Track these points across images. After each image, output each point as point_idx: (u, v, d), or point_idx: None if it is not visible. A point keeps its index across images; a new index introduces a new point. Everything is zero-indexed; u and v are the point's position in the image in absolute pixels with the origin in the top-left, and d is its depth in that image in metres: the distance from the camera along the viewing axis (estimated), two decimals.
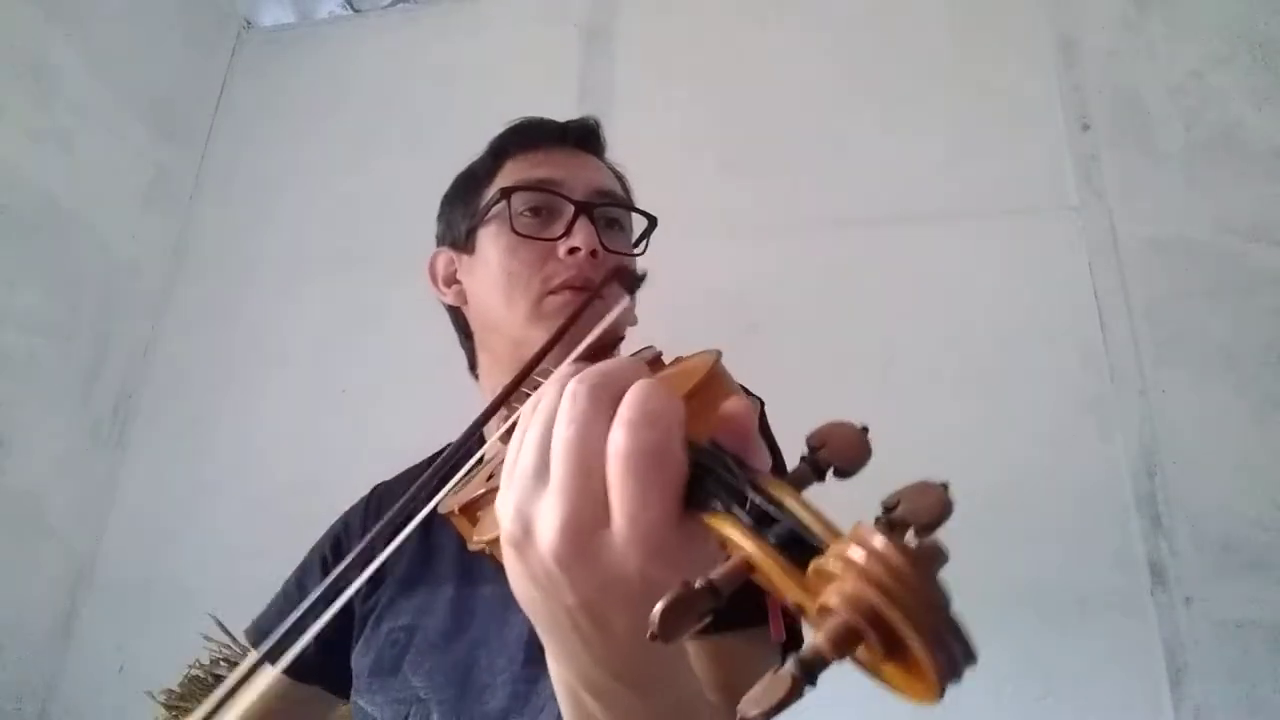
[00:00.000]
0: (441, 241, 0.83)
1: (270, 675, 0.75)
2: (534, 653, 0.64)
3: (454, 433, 0.54)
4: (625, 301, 0.58)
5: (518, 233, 0.72)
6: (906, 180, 1.56)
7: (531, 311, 0.70)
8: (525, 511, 0.33)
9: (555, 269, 0.71)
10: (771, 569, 0.26)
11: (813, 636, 0.23)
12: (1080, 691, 1.20)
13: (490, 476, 0.45)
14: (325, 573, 0.66)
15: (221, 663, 1.22)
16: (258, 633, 0.82)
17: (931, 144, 1.57)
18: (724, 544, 0.28)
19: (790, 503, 0.27)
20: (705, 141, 1.69)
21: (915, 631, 0.21)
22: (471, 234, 0.77)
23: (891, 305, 1.48)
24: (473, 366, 0.83)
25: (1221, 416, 1.29)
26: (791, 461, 0.31)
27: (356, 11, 2.06)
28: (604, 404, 0.32)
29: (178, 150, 1.92)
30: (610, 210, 0.76)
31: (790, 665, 0.23)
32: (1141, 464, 1.29)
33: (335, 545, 0.83)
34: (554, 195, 0.73)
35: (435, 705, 0.67)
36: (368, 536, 0.50)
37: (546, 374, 0.42)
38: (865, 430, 0.30)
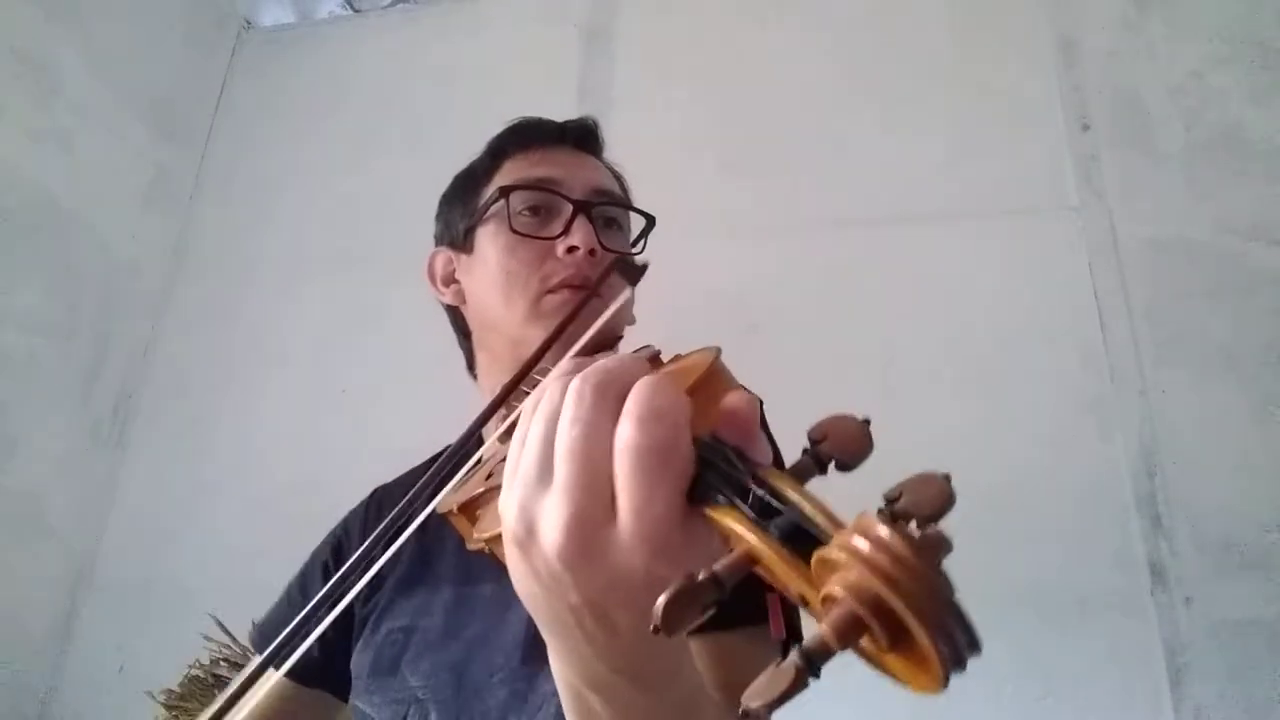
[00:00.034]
0: (440, 241, 0.84)
1: (274, 679, 0.75)
2: (532, 651, 0.64)
3: (454, 433, 0.54)
4: (625, 295, 0.58)
5: (516, 231, 0.72)
6: (906, 180, 1.55)
7: (530, 310, 0.70)
8: (529, 510, 0.33)
9: (554, 268, 0.71)
10: (774, 561, 0.26)
11: (817, 627, 0.23)
12: (1080, 691, 1.20)
13: (489, 475, 0.45)
14: (327, 578, 0.67)
15: (221, 663, 1.22)
16: (261, 638, 0.82)
17: (931, 144, 1.57)
18: (727, 537, 0.28)
19: (793, 495, 0.27)
20: (705, 141, 1.69)
21: (919, 620, 0.21)
22: (470, 233, 0.77)
23: (891, 305, 1.48)
24: (471, 366, 0.83)
25: (1221, 416, 1.29)
26: (792, 460, 0.31)
27: (356, 11, 2.06)
28: (609, 402, 0.32)
29: (178, 150, 1.92)
30: (608, 209, 0.76)
31: (794, 656, 0.23)
32: (1141, 464, 1.29)
33: (336, 550, 0.83)
34: (552, 194, 0.73)
35: (433, 705, 0.67)
36: (368, 540, 0.50)
37: (545, 373, 0.42)
38: (867, 423, 0.30)
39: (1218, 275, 1.37)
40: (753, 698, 0.23)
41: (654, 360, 0.52)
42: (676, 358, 0.50)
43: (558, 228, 0.72)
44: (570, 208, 0.72)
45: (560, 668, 0.39)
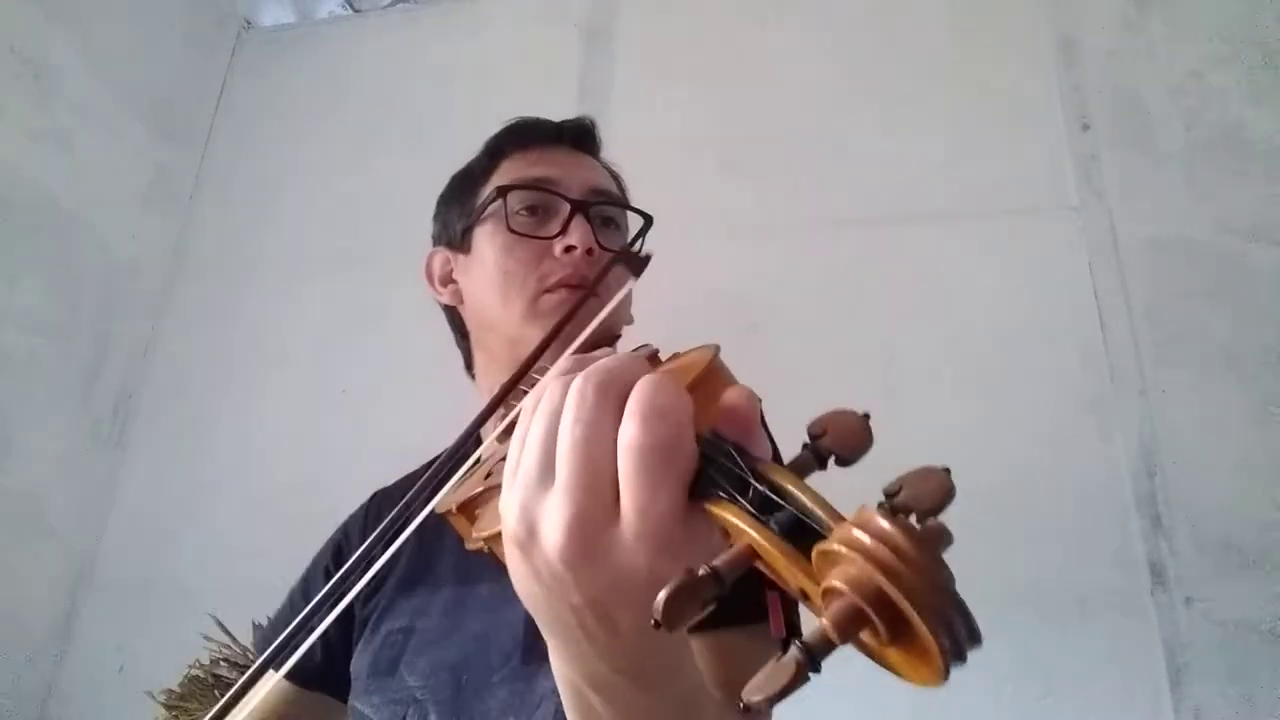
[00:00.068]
0: (437, 241, 0.84)
1: (275, 681, 0.75)
2: (531, 651, 0.64)
3: (454, 433, 0.54)
4: (623, 293, 0.58)
5: (514, 231, 0.72)
6: (906, 180, 1.55)
7: (527, 310, 0.70)
8: (531, 511, 0.32)
9: (551, 267, 0.71)
10: (774, 555, 0.26)
11: (817, 621, 0.23)
12: (1080, 691, 1.20)
13: (488, 475, 0.45)
14: (329, 582, 0.67)
15: (221, 663, 1.22)
16: (264, 643, 0.82)
17: (931, 144, 1.57)
18: (727, 532, 0.28)
19: (793, 490, 0.27)
20: (705, 141, 1.69)
21: (920, 612, 0.21)
22: (467, 233, 0.77)
23: (891, 305, 1.48)
24: (469, 366, 0.83)
25: (1221, 416, 1.29)
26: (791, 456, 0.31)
27: (356, 11, 2.06)
28: (610, 401, 0.32)
29: (178, 150, 1.92)
30: (606, 209, 0.76)
31: (794, 651, 0.23)
32: (1141, 464, 1.29)
33: (337, 554, 0.83)
34: (550, 194, 0.73)
35: (432, 705, 0.67)
36: (368, 540, 0.50)
37: (544, 372, 0.42)
38: (866, 417, 0.30)
39: (1218, 275, 1.37)
40: (753, 692, 0.23)
41: (652, 359, 0.52)
42: (674, 356, 0.50)
43: (555, 227, 0.72)
44: (568, 207, 0.72)
45: (561, 667, 0.39)
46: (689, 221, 1.46)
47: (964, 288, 1.46)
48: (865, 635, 0.23)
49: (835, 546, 0.23)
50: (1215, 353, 1.33)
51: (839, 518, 0.25)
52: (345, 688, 0.75)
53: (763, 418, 0.70)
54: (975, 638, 0.22)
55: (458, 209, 0.80)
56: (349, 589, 0.50)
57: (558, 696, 0.41)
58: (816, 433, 0.30)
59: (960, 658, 0.22)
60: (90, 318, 1.68)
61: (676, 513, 0.30)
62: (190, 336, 1.81)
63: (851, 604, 0.22)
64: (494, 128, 0.82)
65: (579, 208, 0.72)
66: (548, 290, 0.70)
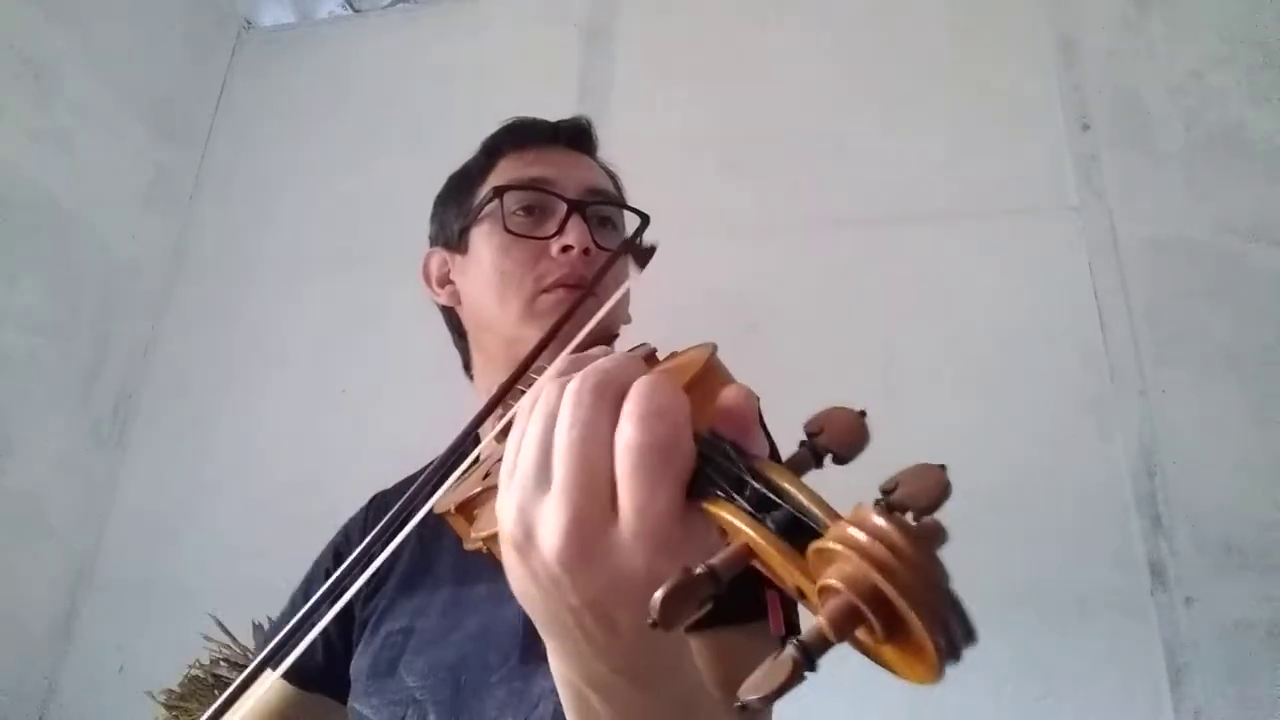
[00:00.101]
0: (435, 242, 0.84)
1: (275, 682, 0.75)
2: (529, 650, 0.64)
3: (454, 433, 0.54)
4: (621, 292, 0.58)
5: (510, 231, 0.72)
6: (906, 180, 1.55)
7: (525, 310, 0.70)
8: (528, 513, 0.32)
9: (548, 267, 0.71)
10: (771, 554, 0.26)
11: (814, 619, 0.23)
12: (1080, 691, 1.20)
13: (486, 475, 0.45)
14: (331, 588, 0.67)
15: (221, 663, 1.22)
16: (265, 646, 0.82)
17: (931, 144, 1.57)
18: (724, 531, 0.28)
19: (789, 488, 0.27)
20: (705, 141, 1.69)
21: (915, 610, 0.21)
22: (464, 234, 0.77)
23: (891, 305, 1.48)
24: (467, 367, 0.83)
25: (1221, 416, 1.29)
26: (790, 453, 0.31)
27: (356, 11, 2.06)
28: (607, 402, 0.32)
29: (178, 150, 1.92)
30: (603, 209, 0.76)
31: (791, 649, 0.22)
32: (1141, 464, 1.29)
33: (337, 557, 0.83)
34: (546, 194, 0.73)
35: (431, 705, 0.67)
36: (367, 539, 0.50)
37: (542, 372, 0.42)
38: (863, 414, 0.30)
39: (1218, 275, 1.37)
40: (750, 691, 0.23)
41: (650, 358, 0.52)
42: (672, 355, 0.50)
43: (552, 227, 0.72)
44: (564, 207, 0.72)
45: (559, 667, 0.39)
46: (689, 221, 1.46)
47: (964, 288, 1.46)
48: (861, 633, 0.23)
49: (831, 544, 0.23)
50: (1215, 353, 1.33)
51: (835, 516, 0.25)
52: (346, 690, 0.75)
53: (761, 417, 0.70)
54: (970, 636, 0.22)
55: (454, 210, 0.80)
56: (346, 589, 0.50)
57: (556, 695, 0.41)
58: (813, 431, 0.30)
59: (955, 656, 0.22)
60: (90, 318, 1.68)
61: (675, 512, 0.30)
62: (190, 336, 1.81)
63: (847, 602, 0.22)
64: (494, 128, 0.82)
65: (575, 207, 0.72)
66: (545, 290, 0.70)
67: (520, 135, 0.80)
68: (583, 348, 0.50)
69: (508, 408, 0.49)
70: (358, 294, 1.74)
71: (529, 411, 0.34)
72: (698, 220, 1.53)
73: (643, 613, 0.25)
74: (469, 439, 0.53)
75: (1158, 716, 1.17)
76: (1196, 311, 1.36)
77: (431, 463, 0.53)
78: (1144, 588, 1.23)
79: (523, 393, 0.41)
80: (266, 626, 1.22)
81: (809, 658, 0.22)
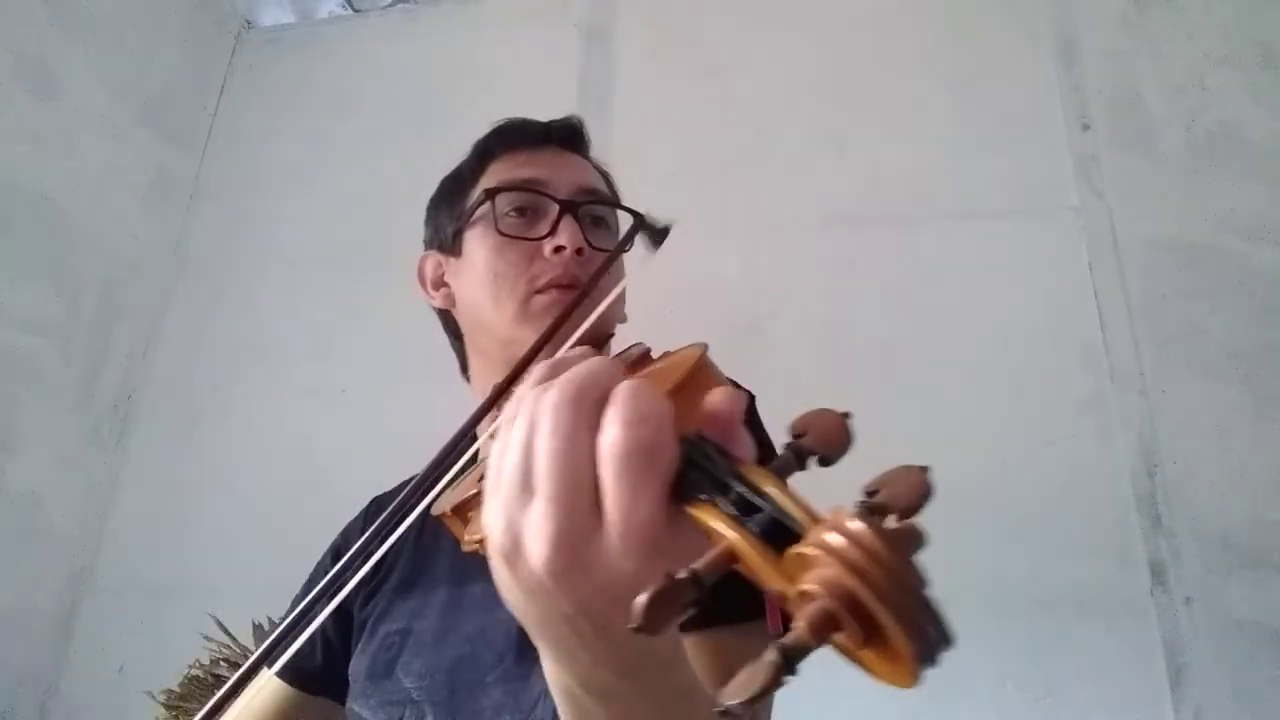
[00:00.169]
0: (429, 245, 0.84)
1: (276, 685, 0.75)
2: (524, 649, 0.64)
3: (454, 433, 0.54)
4: (616, 292, 0.58)
5: (503, 233, 0.73)
6: (906, 180, 1.55)
7: (519, 311, 0.71)
8: (514, 525, 0.32)
9: (541, 268, 0.71)
10: (752, 557, 0.26)
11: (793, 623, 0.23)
12: (1080, 691, 1.20)
13: (482, 477, 0.45)
14: (328, 585, 0.67)
15: (221, 663, 1.22)
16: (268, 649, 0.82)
17: (931, 144, 1.57)
18: (709, 534, 0.28)
19: (771, 491, 0.27)
20: (705, 141, 1.69)
21: (891, 615, 0.21)
22: (458, 236, 0.78)
23: (891, 305, 1.47)
24: (464, 368, 0.84)
25: (1221, 416, 1.29)
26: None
27: (356, 11, 2.06)
28: (586, 408, 0.32)
29: (178, 150, 1.92)
30: (595, 208, 0.77)
31: (771, 653, 0.23)
32: (1141, 464, 1.29)
33: (336, 560, 0.83)
34: (538, 195, 0.73)
35: (428, 706, 0.67)
36: (364, 536, 0.50)
37: None
38: (847, 416, 0.30)
39: (1218, 275, 1.37)
40: (731, 695, 0.23)
41: (644, 357, 0.52)
42: (666, 354, 0.50)
43: (544, 228, 0.72)
44: (556, 208, 0.72)
45: (553, 672, 0.39)
46: (688, 221, 1.46)
47: (964, 287, 1.46)
48: (840, 637, 0.23)
49: (809, 549, 0.23)
50: (1215, 353, 1.33)
51: (817, 519, 0.25)
52: (346, 691, 0.75)
53: (757, 417, 0.70)
54: (947, 640, 0.22)
55: (447, 212, 0.81)
56: (342, 588, 0.50)
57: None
58: (797, 433, 0.30)
59: (932, 660, 0.22)
60: (90, 318, 1.68)
61: (660, 515, 0.30)
62: (190, 336, 1.81)
63: (824, 607, 0.22)
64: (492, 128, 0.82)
65: (567, 208, 0.73)
66: (539, 291, 0.71)
67: (511, 137, 0.80)
68: (577, 345, 0.50)
69: (503, 409, 0.49)
70: (358, 294, 1.74)
71: (510, 423, 0.34)
72: (697, 220, 1.52)
73: None
74: (464, 441, 0.53)
75: (1158, 716, 1.17)
76: (1196, 311, 1.36)
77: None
78: (1144, 587, 1.23)
79: None
80: (267, 627, 1.22)
81: (789, 662, 0.22)
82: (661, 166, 1.61)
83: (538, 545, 0.31)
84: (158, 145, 1.86)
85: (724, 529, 0.27)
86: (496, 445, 0.35)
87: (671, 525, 0.30)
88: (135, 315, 1.79)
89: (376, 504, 0.86)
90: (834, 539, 0.23)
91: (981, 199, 1.51)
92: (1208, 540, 1.23)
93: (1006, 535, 1.27)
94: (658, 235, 0.60)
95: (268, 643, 0.51)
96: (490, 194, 0.74)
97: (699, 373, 0.40)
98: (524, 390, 0.35)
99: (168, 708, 1.19)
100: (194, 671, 1.22)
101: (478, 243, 0.75)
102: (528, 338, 0.64)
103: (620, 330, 0.79)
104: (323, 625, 0.62)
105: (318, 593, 0.52)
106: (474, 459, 0.52)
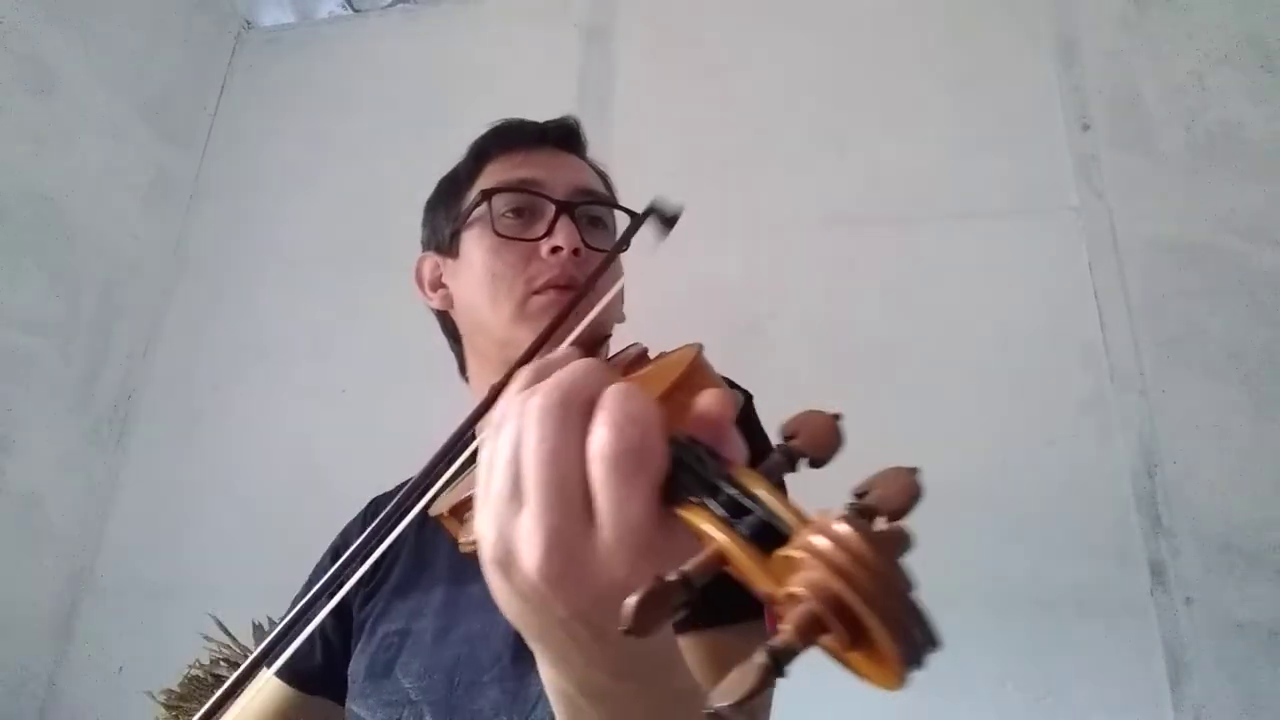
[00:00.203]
0: (426, 246, 0.84)
1: (277, 685, 0.75)
2: (522, 649, 0.64)
3: (452, 434, 0.54)
4: (613, 292, 0.58)
5: (500, 234, 0.73)
6: (906, 180, 1.55)
7: (516, 312, 0.71)
8: (506, 533, 0.32)
9: (539, 269, 0.71)
10: (742, 559, 0.26)
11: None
12: (1080, 691, 1.20)
13: None
14: (328, 586, 0.67)
15: (221, 663, 1.22)
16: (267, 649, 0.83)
17: (931, 144, 1.57)
18: (699, 536, 0.28)
19: (760, 493, 0.27)
20: (705, 141, 1.69)
21: (877, 617, 0.21)
22: (455, 237, 0.78)
23: (891, 305, 1.47)
24: (463, 369, 0.84)
25: (1221, 416, 1.29)
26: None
27: (356, 11, 2.06)
28: (573, 413, 0.31)
29: (178, 150, 1.92)
30: (592, 209, 0.76)
31: (760, 655, 0.23)
32: (1141, 464, 1.29)
33: (335, 559, 0.83)
34: (535, 195, 0.73)
35: (427, 706, 0.67)
36: (362, 536, 0.50)
37: None
38: (837, 418, 0.30)
39: (1218, 275, 1.37)
40: (720, 697, 0.22)
41: (641, 357, 0.52)
42: (662, 355, 0.50)
43: (541, 229, 0.72)
44: (553, 208, 0.72)
45: (550, 675, 0.39)
46: (688, 221, 1.46)
47: (964, 287, 1.46)
48: (827, 639, 0.23)
49: (796, 551, 0.23)
50: (1215, 353, 1.33)
51: (805, 521, 0.25)
52: (346, 692, 0.75)
53: (755, 417, 0.69)
54: (933, 643, 0.22)
55: (444, 213, 0.81)
56: (340, 588, 0.50)
57: None
58: (788, 434, 0.30)
59: (917, 663, 0.22)
60: (90, 318, 1.68)
61: (651, 516, 0.30)
62: (190, 336, 1.81)
63: (810, 609, 0.22)
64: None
65: (564, 208, 0.72)
66: (536, 292, 0.71)
67: (508, 137, 0.80)
68: (575, 347, 0.50)
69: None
70: (358, 294, 1.74)
71: (497, 430, 0.34)
72: (697, 220, 1.52)
73: None
74: (461, 441, 0.53)
75: (1158, 716, 1.17)
76: (1196, 311, 1.36)
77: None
78: (1144, 587, 1.23)
79: None
80: (267, 627, 1.22)
81: (778, 664, 0.22)
82: (661, 166, 1.61)
83: (530, 553, 0.31)
84: (158, 145, 1.86)
85: (714, 531, 0.27)
86: (483, 454, 0.35)
87: (662, 527, 0.30)
88: (135, 315, 1.79)
89: (375, 505, 0.86)
90: (820, 542, 0.23)
91: (981, 199, 1.51)
92: (1208, 540, 1.23)
93: (1006, 535, 1.27)
94: (668, 220, 0.60)
95: (266, 642, 0.51)
96: (487, 195, 0.74)
97: (693, 374, 0.40)
98: (509, 395, 0.35)
99: (168, 708, 1.19)
100: (194, 671, 1.22)
101: (475, 244, 0.75)
102: (525, 338, 0.64)
103: (620, 330, 0.79)
104: (322, 625, 0.62)
105: (316, 593, 0.52)
106: (472, 459, 0.52)
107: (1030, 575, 1.26)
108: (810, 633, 0.22)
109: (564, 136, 0.82)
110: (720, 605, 0.27)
